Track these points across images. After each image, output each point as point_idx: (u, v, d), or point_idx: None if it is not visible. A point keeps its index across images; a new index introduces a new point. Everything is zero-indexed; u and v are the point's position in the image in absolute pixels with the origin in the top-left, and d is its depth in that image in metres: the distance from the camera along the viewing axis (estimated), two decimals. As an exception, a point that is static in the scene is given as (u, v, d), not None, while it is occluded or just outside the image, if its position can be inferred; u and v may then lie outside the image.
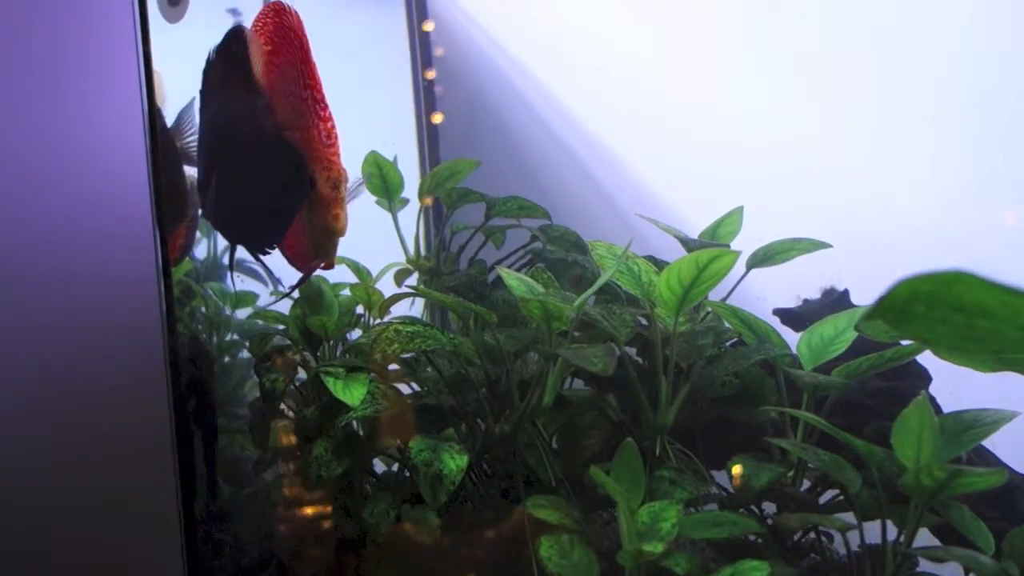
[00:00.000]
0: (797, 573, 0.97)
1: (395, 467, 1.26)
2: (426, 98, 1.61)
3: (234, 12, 1.61)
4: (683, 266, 1.01)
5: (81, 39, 1.32)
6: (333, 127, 0.98)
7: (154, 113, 1.27)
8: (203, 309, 1.49)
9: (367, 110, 1.56)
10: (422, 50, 1.62)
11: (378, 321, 1.22)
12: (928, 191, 1.59)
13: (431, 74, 1.64)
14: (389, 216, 1.32)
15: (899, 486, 0.94)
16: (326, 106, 0.98)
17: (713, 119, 1.68)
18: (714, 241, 1.25)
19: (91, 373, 1.40)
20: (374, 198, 1.34)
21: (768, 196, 1.62)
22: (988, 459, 1.13)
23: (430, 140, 1.64)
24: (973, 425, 0.99)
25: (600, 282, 1.03)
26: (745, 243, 1.36)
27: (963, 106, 1.57)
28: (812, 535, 1.08)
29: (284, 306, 1.40)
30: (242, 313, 1.44)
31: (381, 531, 1.12)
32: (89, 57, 1.34)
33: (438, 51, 1.69)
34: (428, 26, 1.62)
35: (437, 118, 1.70)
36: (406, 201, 1.32)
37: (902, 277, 0.76)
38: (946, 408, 1.15)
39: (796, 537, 1.10)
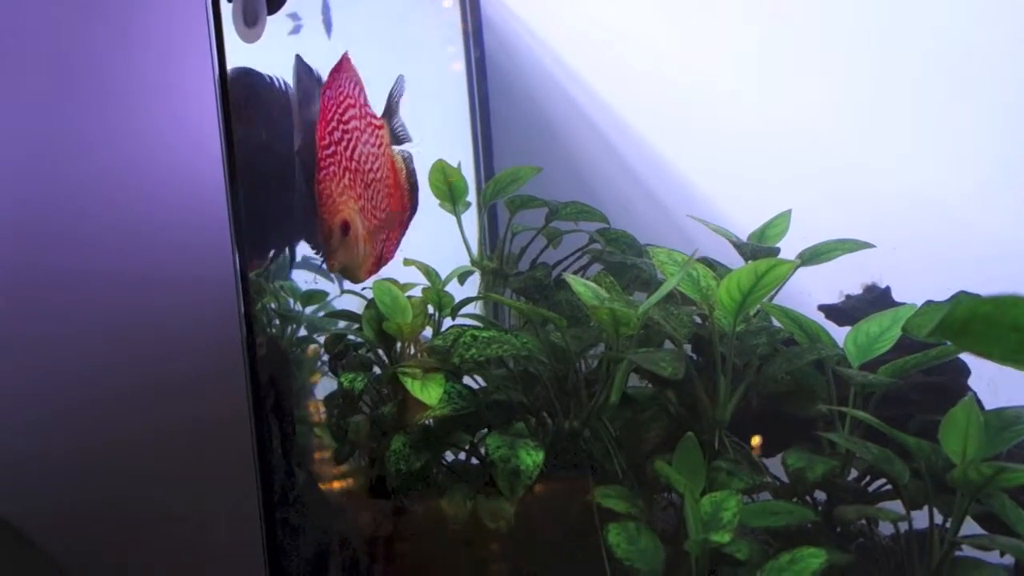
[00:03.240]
0: (851, 559, 1.05)
1: (462, 456, 1.34)
2: (481, 107, 1.68)
3: (294, 17, 1.68)
4: (743, 275, 1.09)
5: (162, 61, 1.39)
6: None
7: (230, 123, 1.34)
8: (273, 305, 1.57)
9: (424, 115, 1.63)
10: (478, 60, 1.69)
11: (449, 322, 1.30)
12: (962, 184, 1.65)
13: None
14: (452, 220, 1.39)
15: (948, 480, 1.01)
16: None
17: (754, 118, 1.74)
18: (762, 244, 1.32)
19: (177, 367, 1.49)
20: (437, 202, 1.41)
21: (806, 192, 1.69)
22: (1026, 450, 1.21)
23: (484, 144, 1.71)
24: (1015, 422, 1.07)
25: (664, 290, 1.11)
26: (791, 242, 1.43)
27: (997, 101, 1.63)
28: (869, 526, 1.16)
29: (346, 303, 1.49)
30: (311, 310, 1.52)
31: (458, 520, 1.20)
32: (170, 74, 1.42)
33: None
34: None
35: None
36: (469, 204, 1.39)
37: (962, 297, 0.83)
38: (984, 398, 1.22)
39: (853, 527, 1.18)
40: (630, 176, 1.82)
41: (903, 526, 1.09)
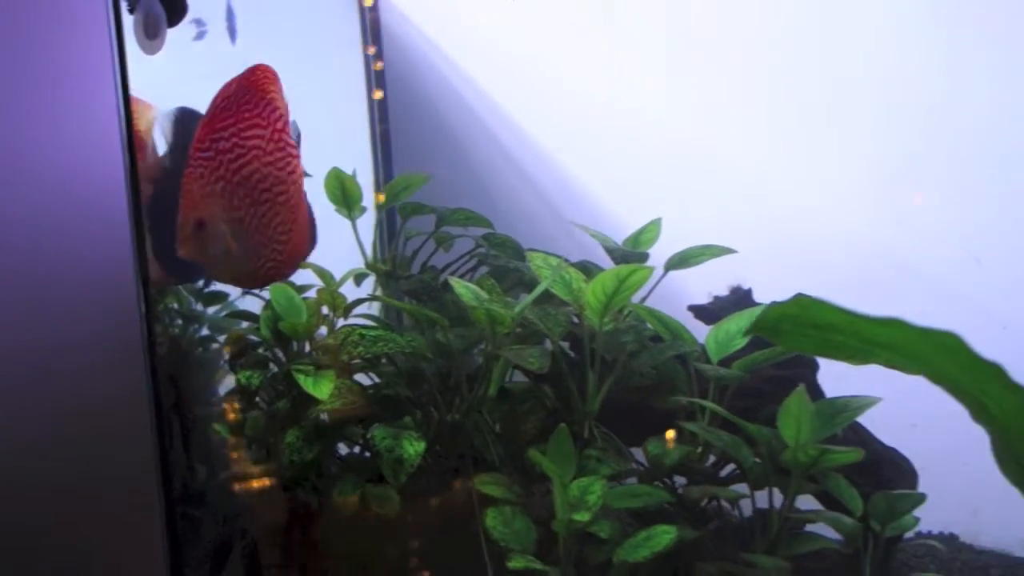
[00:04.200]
0: (699, 535, 1.17)
1: (356, 449, 1.42)
2: (380, 112, 1.76)
3: (198, 23, 1.73)
4: (607, 278, 1.19)
5: (62, 70, 1.43)
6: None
7: (131, 129, 1.39)
8: (175, 305, 1.63)
9: (322, 121, 1.70)
10: (376, 66, 1.76)
11: (343, 322, 1.37)
12: (834, 190, 1.79)
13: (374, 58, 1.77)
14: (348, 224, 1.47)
15: (781, 462, 1.14)
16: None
17: (646, 127, 1.85)
18: (635, 249, 1.43)
19: (74, 364, 1.52)
20: (334, 207, 1.48)
21: (695, 198, 1.81)
22: (862, 435, 1.34)
23: (383, 149, 1.79)
24: (844, 409, 1.20)
25: (536, 293, 1.21)
26: (665, 247, 1.55)
27: (863, 107, 1.76)
28: (715, 503, 1.28)
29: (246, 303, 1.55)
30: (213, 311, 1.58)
31: (347, 508, 1.28)
32: (69, 84, 1.46)
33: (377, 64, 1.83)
34: (371, 49, 1.77)
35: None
36: (364, 209, 1.47)
37: (773, 302, 0.95)
38: (833, 389, 1.36)
39: (703, 504, 1.30)
40: (526, 180, 1.92)
41: (755, 506, 1.21)
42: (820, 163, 1.79)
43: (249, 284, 1.30)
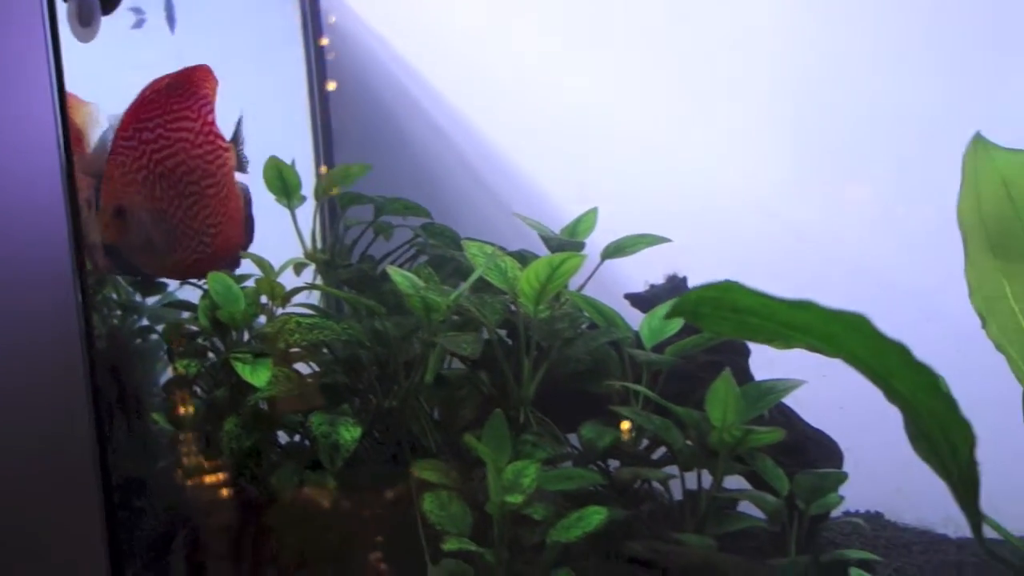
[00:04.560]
0: (630, 515, 1.20)
1: (297, 438, 1.43)
2: (321, 102, 1.77)
3: (137, 11, 1.72)
4: (540, 266, 1.22)
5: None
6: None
7: (67, 118, 1.39)
8: (114, 296, 1.62)
9: (265, 111, 1.70)
10: (317, 57, 1.77)
11: (281, 310, 1.38)
12: (771, 178, 1.82)
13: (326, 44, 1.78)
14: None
15: (709, 443, 1.17)
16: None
17: (593, 120, 1.88)
18: (572, 239, 1.46)
19: (10, 353, 1.51)
20: (273, 197, 1.49)
21: (639, 189, 1.84)
22: (790, 418, 1.39)
23: (325, 140, 1.79)
24: (769, 392, 1.24)
25: (470, 281, 1.23)
26: (609, 238, 1.57)
27: (797, 102, 1.80)
28: (647, 486, 1.31)
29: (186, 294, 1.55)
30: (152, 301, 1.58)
31: (286, 494, 1.29)
32: (2, 74, 1.45)
33: (330, 54, 1.83)
34: (323, 41, 1.77)
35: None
36: (304, 199, 1.47)
37: (694, 287, 0.98)
38: (764, 375, 1.39)
39: (636, 487, 1.33)
40: (469, 171, 1.94)
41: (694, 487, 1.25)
42: (762, 155, 1.83)
43: (174, 275, 1.31)
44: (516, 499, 1.14)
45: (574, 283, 1.48)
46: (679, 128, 1.84)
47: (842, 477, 1.21)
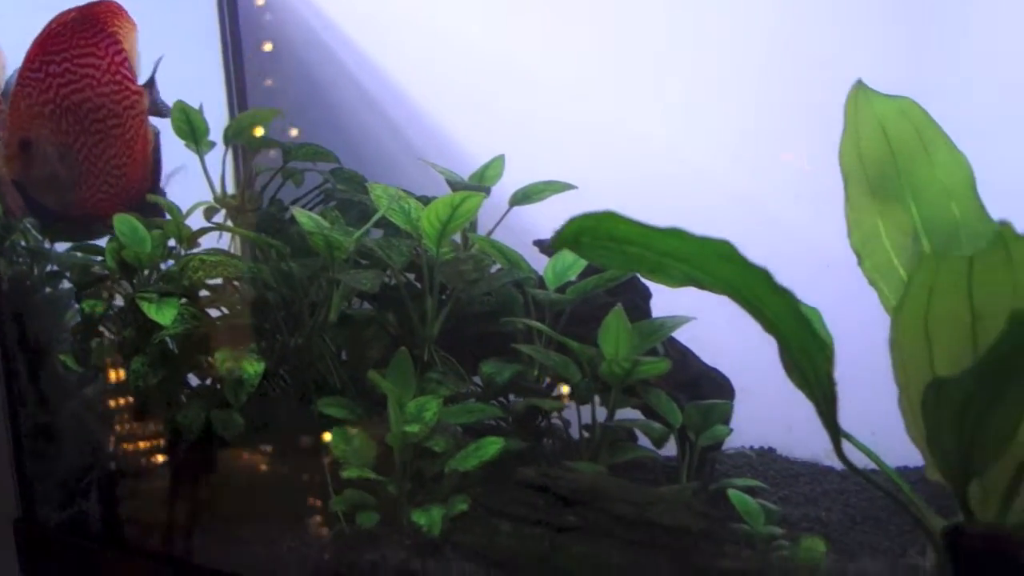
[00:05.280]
0: (527, 445, 1.25)
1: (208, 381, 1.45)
2: (234, 50, 1.77)
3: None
4: (440, 206, 1.25)
5: None
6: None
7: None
8: (23, 243, 1.61)
9: (177, 58, 1.70)
10: (231, 11, 1.77)
11: (187, 252, 1.39)
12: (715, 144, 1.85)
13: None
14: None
15: (600, 375, 1.22)
16: None
17: (514, 72, 1.90)
18: (479, 184, 1.49)
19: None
20: (183, 142, 1.49)
21: (555, 140, 1.88)
22: (686, 356, 1.44)
23: (238, 88, 1.79)
24: (660, 328, 1.29)
25: (373, 220, 1.26)
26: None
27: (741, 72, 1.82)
28: (547, 421, 1.36)
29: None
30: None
31: (193, 432, 1.31)
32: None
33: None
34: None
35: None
36: (213, 144, 1.48)
37: (572, 215, 1.01)
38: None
39: (539, 423, 1.38)
40: (387, 124, 1.96)
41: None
42: (682, 106, 1.86)
43: (79, 212, 1.31)
44: (414, 429, 1.18)
45: (483, 229, 1.52)
46: (596, 82, 1.87)
47: (727, 408, 1.27)
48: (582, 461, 1.24)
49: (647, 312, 1.46)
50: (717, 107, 1.76)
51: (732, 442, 1.65)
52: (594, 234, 0.98)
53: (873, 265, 1.18)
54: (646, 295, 1.49)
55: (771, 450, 1.59)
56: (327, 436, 1.25)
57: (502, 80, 1.91)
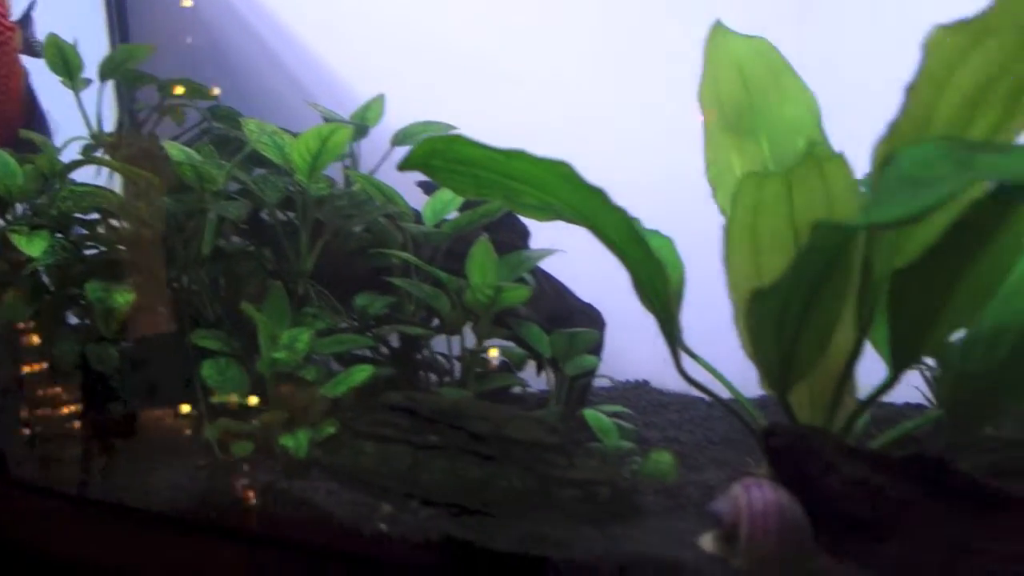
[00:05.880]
0: (394, 372, 1.29)
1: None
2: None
3: None
4: (309, 138, 1.27)
5: None
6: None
7: None
8: None
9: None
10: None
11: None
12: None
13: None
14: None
15: (465, 303, 1.26)
16: None
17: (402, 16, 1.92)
18: (360, 123, 1.51)
19: None
20: (59, 78, 1.47)
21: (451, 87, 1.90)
22: (561, 291, 1.50)
23: (120, 25, 1.78)
24: (527, 259, 1.34)
25: (244, 152, 1.27)
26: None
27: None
28: (422, 354, 1.40)
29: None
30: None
31: (67, 364, 1.32)
32: None
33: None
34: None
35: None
36: (88, 82, 1.46)
37: (425, 137, 1.04)
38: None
39: (417, 354, 1.42)
40: (279, 68, 1.95)
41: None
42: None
43: None
44: (281, 355, 1.21)
45: (366, 169, 1.54)
46: (482, 29, 1.90)
47: (592, 336, 1.32)
48: (450, 387, 1.28)
49: (525, 249, 1.51)
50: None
51: (616, 376, 1.72)
52: (444, 156, 1.01)
53: (724, 196, 1.24)
54: (524, 233, 1.53)
55: (645, 383, 1.66)
56: (203, 368, 1.26)
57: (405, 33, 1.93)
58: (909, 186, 0.76)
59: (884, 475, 0.88)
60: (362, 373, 1.23)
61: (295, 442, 1.17)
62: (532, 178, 0.99)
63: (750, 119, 1.27)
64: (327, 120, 1.46)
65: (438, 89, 1.91)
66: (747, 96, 1.27)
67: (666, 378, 1.72)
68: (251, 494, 1.18)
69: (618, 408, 1.35)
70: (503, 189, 1.04)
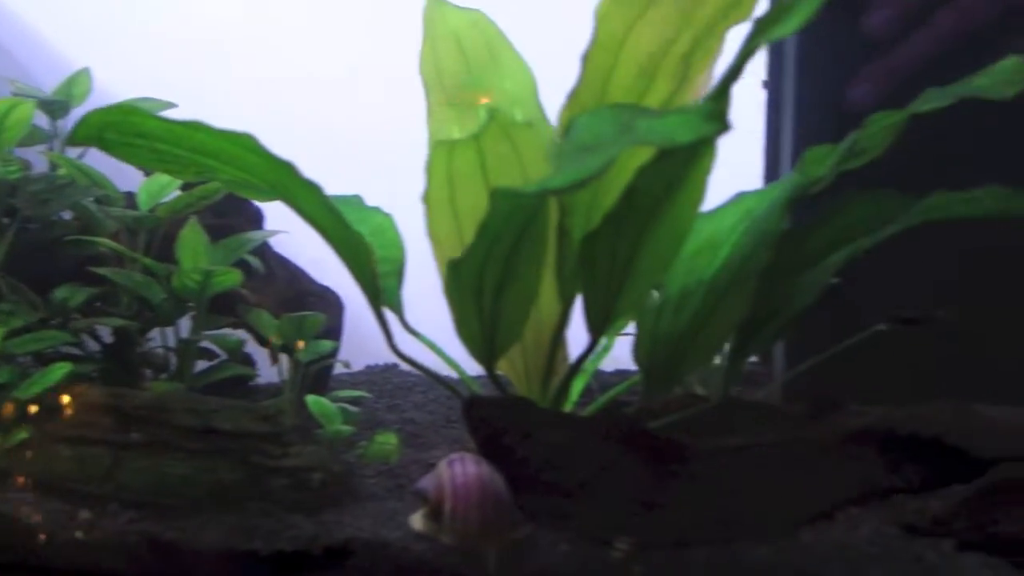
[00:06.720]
0: (94, 367, 1.19)
1: None
2: None
3: None
4: (-21, 115, 1.14)
5: None
6: None
7: None
8: None
9: None
10: None
11: None
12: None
13: None
14: None
15: (173, 289, 1.18)
16: None
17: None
18: (69, 101, 1.38)
19: None
20: None
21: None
22: (295, 275, 1.45)
23: None
24: (247, 242, 1.27)
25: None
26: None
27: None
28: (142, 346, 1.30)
29: None
30: None
31: None
32: None
33: None
34: None
35: None
36: None
37: (95, 108, 0.95)
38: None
39: (135, 348, 1.32)
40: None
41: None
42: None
43: None
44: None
45: (74, 152, 1.41)
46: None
47: (318, 320, 1.27)
48: (161, 382, 1.20)
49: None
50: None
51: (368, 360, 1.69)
52: (120, 129, 0.93)
53: (443, 171, 1.22)
54: (256, 218, 1.46)
55: (394, 366, 1.64)
56: None
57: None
58: (580, 152, 0.76)
59: (582, 439, 0.89)
60: (59, 371, 1.12)
61: (-22, 452, 1.06)
62: (221, 152, 0.93)
63: (470, 92, 1.26)
64: (16, 95, 1.33)
65: (170, 68, 1.82)
66: (467, 68, 1.26)
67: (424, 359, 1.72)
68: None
69: (357, 393, 1.31)
70: (194, 165, 0.97)
